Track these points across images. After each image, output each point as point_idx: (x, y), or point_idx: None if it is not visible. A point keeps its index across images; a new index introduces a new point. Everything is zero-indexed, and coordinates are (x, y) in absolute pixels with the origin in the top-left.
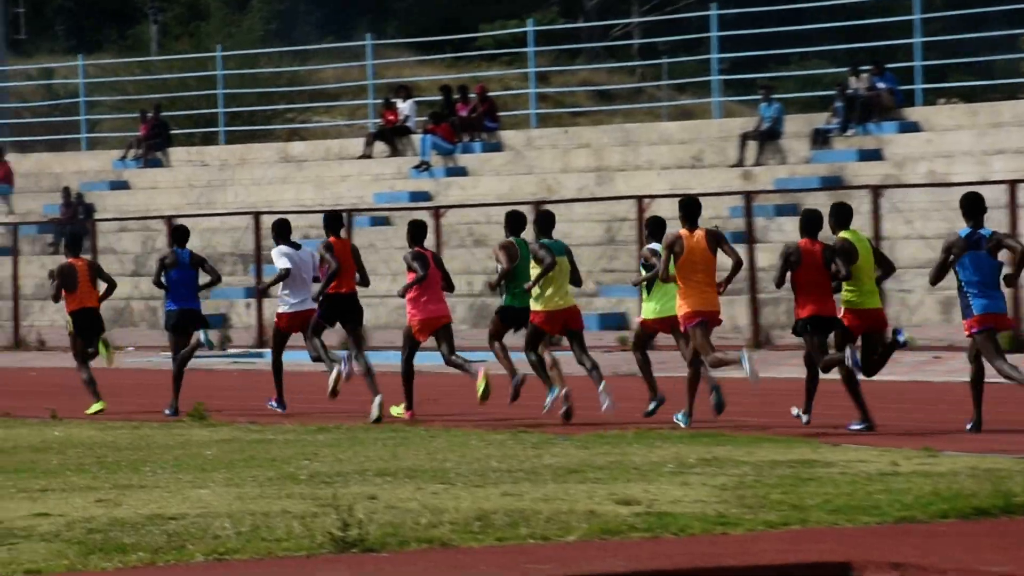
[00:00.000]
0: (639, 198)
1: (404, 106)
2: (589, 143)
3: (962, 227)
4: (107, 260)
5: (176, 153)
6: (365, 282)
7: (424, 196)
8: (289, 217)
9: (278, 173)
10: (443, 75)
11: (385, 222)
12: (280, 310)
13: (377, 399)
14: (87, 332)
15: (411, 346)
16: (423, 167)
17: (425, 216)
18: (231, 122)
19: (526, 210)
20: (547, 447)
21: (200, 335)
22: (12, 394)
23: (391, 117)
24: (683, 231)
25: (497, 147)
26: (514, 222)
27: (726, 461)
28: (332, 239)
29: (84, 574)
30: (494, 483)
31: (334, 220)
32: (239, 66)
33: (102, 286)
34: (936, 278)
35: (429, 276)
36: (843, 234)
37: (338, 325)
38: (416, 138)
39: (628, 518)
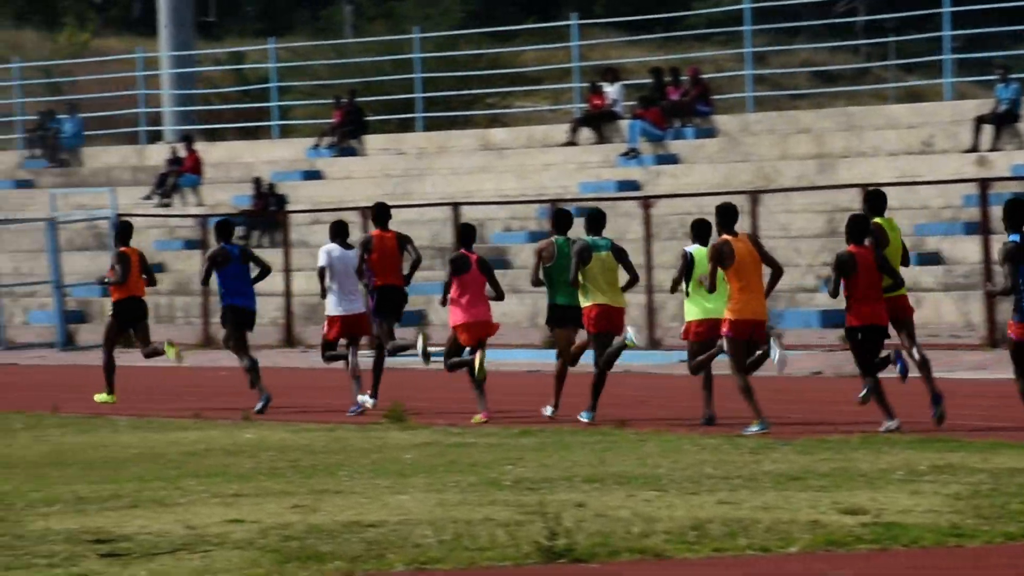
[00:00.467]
0: (863, 187)
1: (611, 90)
2: (809, 128)
3: None
4: (299, 253)
5: (371, 141)
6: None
7: (632, 185)
8: (489, 208)
9: (478, 162)
10: (653, 56)
11: None
12: (328, 313)
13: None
14: (129, 322)
15: (454, 351)
16: (631, 154)
17: (633, 206)
18: (429, 108)
19: (742, 200)
20: (766, 452)
21: None
22: (203, 394)
23: (597, 102)
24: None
25: (710, 133)
26: (559, 221)
27: (960, 468)
28: (374, 232)
29: None
30: (709, 490)
31: (380, 212)
32: (437, 49)
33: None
34: None
35: (468, 279)
36: (876, 220)
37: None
38: (624, 124)
39: (854, 528)
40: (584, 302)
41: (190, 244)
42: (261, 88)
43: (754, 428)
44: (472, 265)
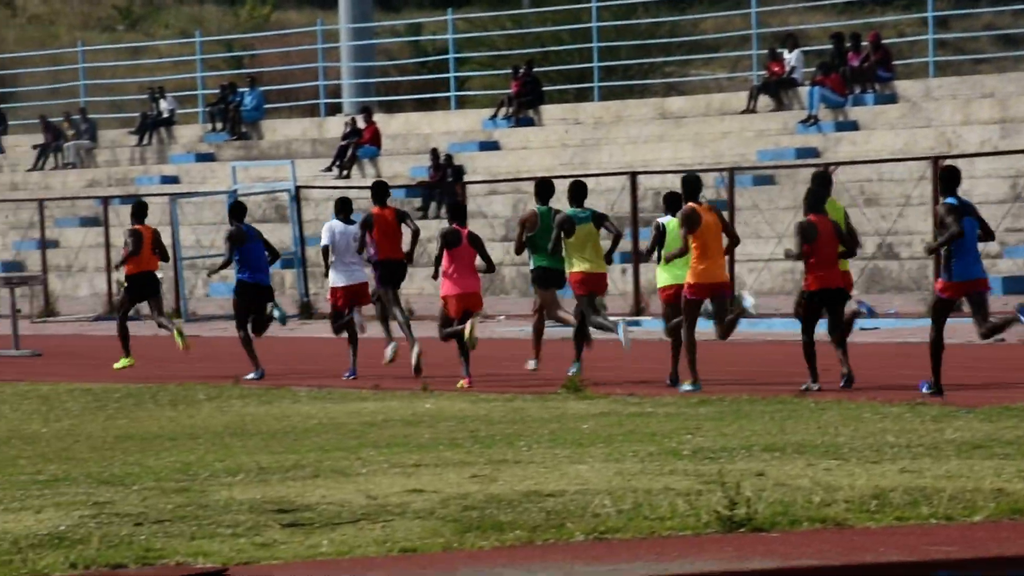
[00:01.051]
0: None
1: (790, 57)
2: (993, 92)
3: None
4: (477, 224)
5: (549, 111)
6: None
7: (811, 152)
8: (666, 177)
9: (655, 131)
10: (833, 22)
11: (769, 181)
12: (332, 285)
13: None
14: (142, 295)
15: (445, 322)
16: (811, 121)
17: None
18: (606, 77)
19: (923, 166)
20: (948, 420)
21: (274, 312)
22: (379, 366)
23: (776, 69)
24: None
25: (891, 99)
26: (541, 191)
27: None
28: (374, 209)
29: (460, 552)
30: (891, 459)
31: (379, 190)
32: (615, 18)
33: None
34: None
35: (459, 252)
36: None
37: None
38: (803, 90)
39: None
40: (569, 268)
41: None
42: (439, 59)
43: (687, 387)
44: (463, 239)
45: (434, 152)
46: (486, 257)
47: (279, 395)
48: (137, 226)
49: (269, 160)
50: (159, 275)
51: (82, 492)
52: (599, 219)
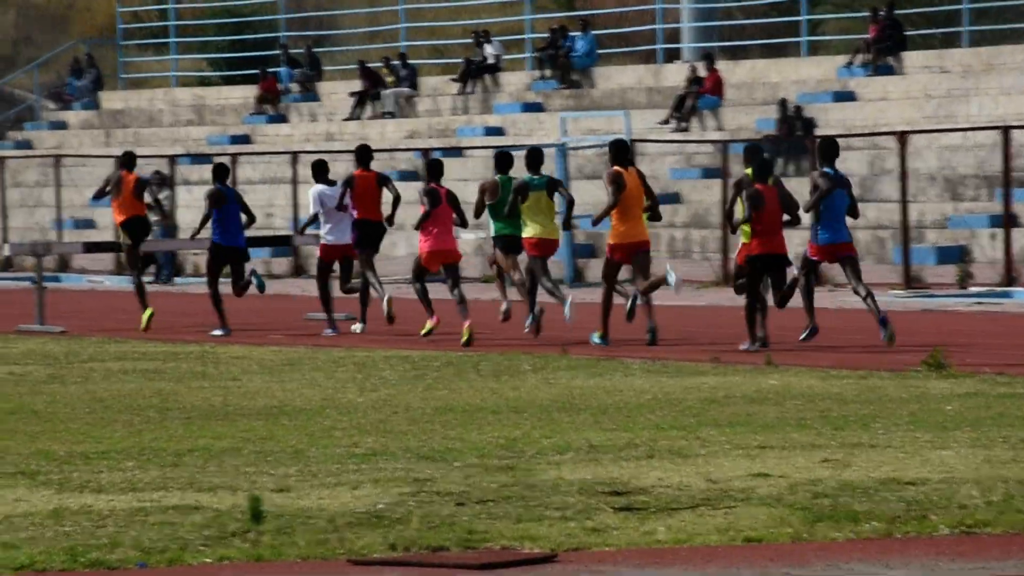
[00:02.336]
0: None
1: None
2: None
3: None
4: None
5: (910, 58)
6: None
7: None
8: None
9: None
10: None
11: None
12: (322, 242)
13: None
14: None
15: (419, 274)
16: None
17: None
18: (977, 20)
19: None
20: None
21: (252, 279)
22: (720, 336)
23: None
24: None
25: None
26: (500, 162)
27: None
28: (356, 172)
29: (810, 544)
30: None
31: (362, 153)
32: None
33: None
34: None
35: (439, 211)
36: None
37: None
38: None
39: None
40: (524, 233)
41: (709, 172)
42: (789, 0)
43: (595, 339)
44: (441, 198)
45: (782, 103)
46: (460, 214)
47: (610, 367)
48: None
49: (601, 111)
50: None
51: (401, 468)
52: (552, 185)
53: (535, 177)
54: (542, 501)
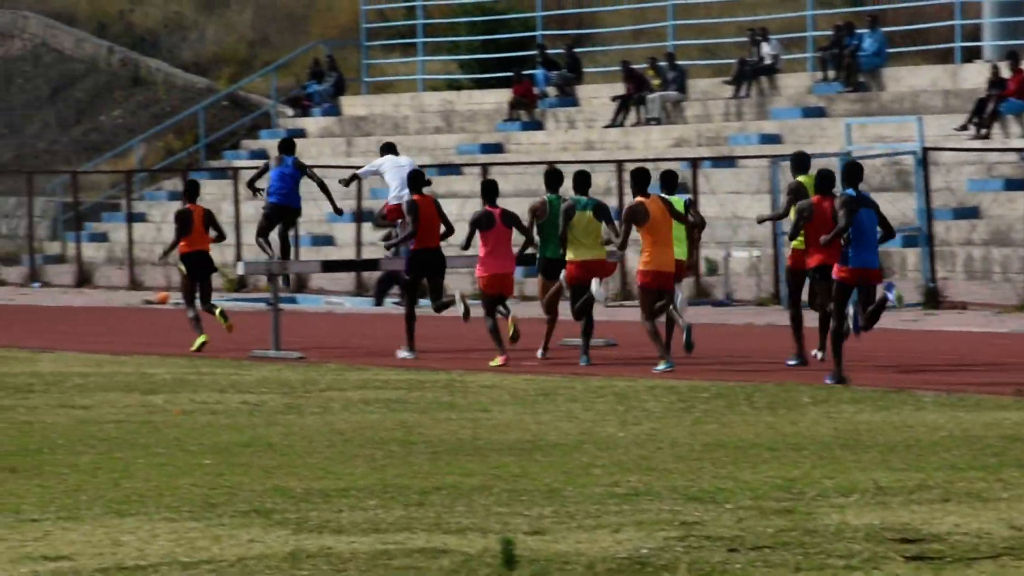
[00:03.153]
0: None
1: None
2: None
3: None
4: None
5: None
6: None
7: None
8: None
9: None
10: None
11: None
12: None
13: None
14: (199, 275)
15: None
16: None
17: None
18: None
19: None
20: None
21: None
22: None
23: None
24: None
25: None
26: (550, 180)
27: None
28: (415, 197)
29: None
30: None
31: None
32: None
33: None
34: None
35: (494, 234)
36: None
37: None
38: None
39: None
40: (567, 256)
41: (1012, 184)
42: None
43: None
44: (496, 220)
45: None
46: (524, 231)
47: (899, 400)
48: (189, 205)
49: (891, 116)
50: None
51: (666, 509)
52: (600, 211)
53: (582, 199)
54: (824, 548)
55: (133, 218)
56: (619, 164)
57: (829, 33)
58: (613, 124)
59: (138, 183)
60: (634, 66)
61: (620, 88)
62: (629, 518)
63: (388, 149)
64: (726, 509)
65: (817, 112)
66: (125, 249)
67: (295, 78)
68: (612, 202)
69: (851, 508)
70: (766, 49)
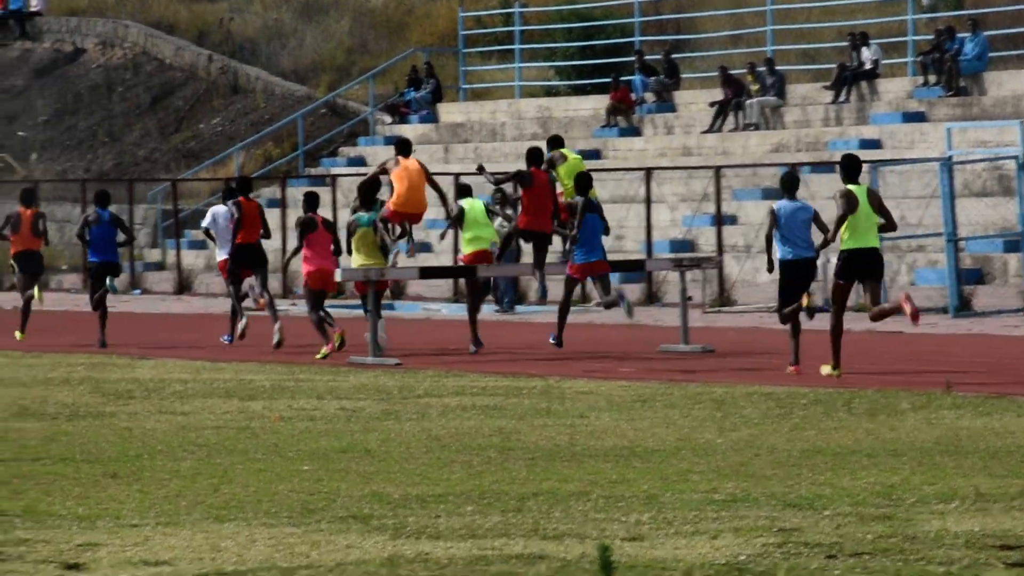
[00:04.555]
0: None
1: None
2: None
3: None
4: None
5: None
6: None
7: None
8: None
9: None
10: None
11: None
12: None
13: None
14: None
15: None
16: None
17: None
18: None
19: None
20: None
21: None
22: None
23: None
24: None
25: None
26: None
27: None
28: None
29: None
30: None
31: (242, 184)
32: None
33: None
34: None
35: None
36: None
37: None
38: None
39: None
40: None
41: None
42: None
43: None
44: (318, 225)
45: None
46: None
47: (1000, 406)
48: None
49: (992, 120)
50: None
51: (764, 516)
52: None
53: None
54: (924, 555)
55: None
56: (717, 170)
57: (930, 37)
58: (711, 130)
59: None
60: (732, 71)
61: (718, 93)
62: (727, 524)
63: (234, 192)
64: (824, 515)
65: (917, 117)
66: None
67: (393, 85)
68: (710, 208)
69: (951, 514)
70: (866, 54)
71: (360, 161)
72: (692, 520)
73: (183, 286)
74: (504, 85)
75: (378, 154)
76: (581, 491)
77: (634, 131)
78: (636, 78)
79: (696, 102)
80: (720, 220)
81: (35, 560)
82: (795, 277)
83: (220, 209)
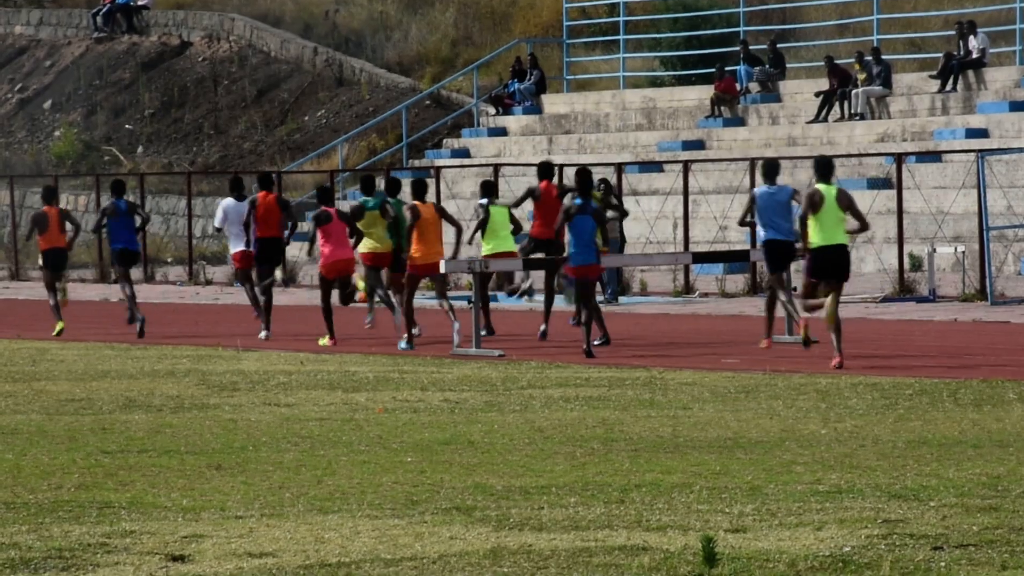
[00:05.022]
0: None
1: None
2: None
3: None
4: None
5: None
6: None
7: None
8: None
9: None
10: None
11: None
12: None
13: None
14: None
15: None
16: None
17: None
18: None
19: None
20: None
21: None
22: None
23: None
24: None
25: None
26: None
27: None
28: (260, 193)
29: None
30: None
31: (265, 179)
32: None
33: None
34: None
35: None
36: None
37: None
38: None
39: None
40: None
41: None
42: None
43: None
44: (333, 217)
45: None
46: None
47: None
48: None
49: None
50: None
51: (869, 507)
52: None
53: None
54: None
55: None
56: None
57: None
58: (816, 119)
59: (341, 183)
60: (838, 61)
61: (823, 83)
62: (831, 516)
63: (234, 187)
64: (930, 507)
65: None
66: None
67: (497, 76)
68: None
69: None
70: (973, 42)
71: (464, 153)
72: (796, 511)
73: (288, 277)
74: (608, 76)
75: (482, 145)
76: (684, 483)
77: (739, 121)
78: (741, 68)
79: (801, 92)
80: None
81: (141, 552)
82: (774, 257)
83: (229, 202)
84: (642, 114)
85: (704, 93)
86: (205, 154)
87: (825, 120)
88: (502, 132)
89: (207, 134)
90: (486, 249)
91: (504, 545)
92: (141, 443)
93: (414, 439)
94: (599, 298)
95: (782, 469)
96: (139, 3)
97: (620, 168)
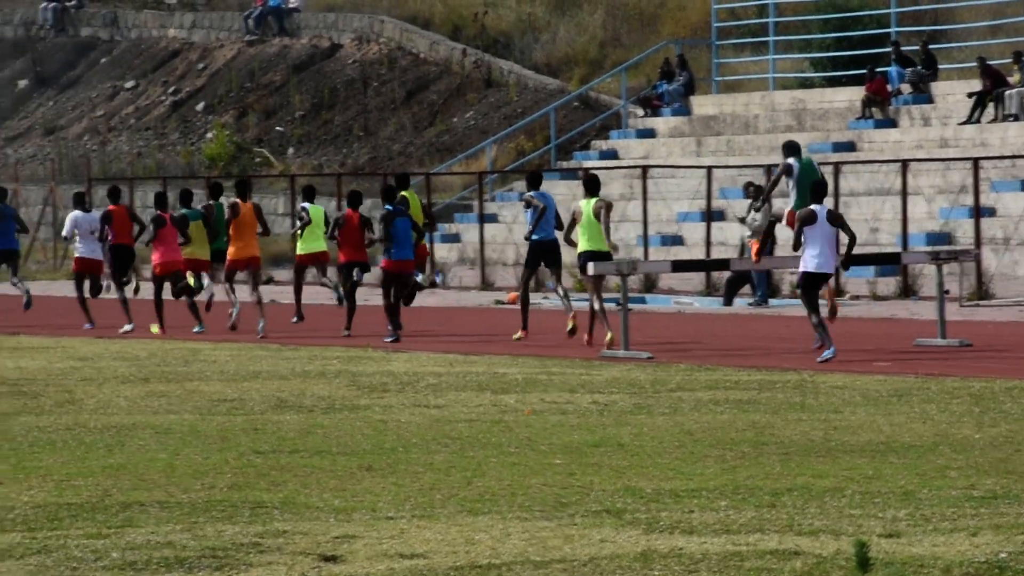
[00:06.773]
0: None
1: None
2: None
3: None
4: None
5: None
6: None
7: None
8: None
9: None
10: None
11: None
12: (75, 255)
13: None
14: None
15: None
16: None
17: None
18: None
19: None
20: None
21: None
22: None
23: None
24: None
25: None
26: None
27: None
28: (111, 207)
29: None
30: None
31: (113, 192)
32: None
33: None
34: None
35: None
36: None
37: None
38: None
39: None
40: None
41: None
42: None
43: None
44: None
45: None
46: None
47: None
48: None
49: None
50: None
51: None
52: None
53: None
54: None
55: (485, 219)
56: (975, 162)
57: None
58: (969, 121)
59: (490, 184)
60: (991, 62)
61: (976, 84)
62: (987, 521)
63: (79, 202)
64: None
65: None
66: (477, 249)
67: (646, 78)
68: (968, 200)
69: None
70: None
71: (612, 154)
72: (950, 517)
73: (433, 281)
74: (757, 77)
75: (630, 147)
76: (836, 487)
77: (890, 123)
78: (892, 69)
79: (953, 93)
80: (978, 212)
81: (293, 552)
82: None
83: (78, 214)
84: (792, 115)
85: (855, 94)
86: (355, 156)
87: (978, 121)
88: (650, 134)
89: (357, 136)
90: (301, 249)
91: (654, 548)
92: (293, 443)
93: (563, 441)
94: (747, 300)
95: (936, 474)
96: (290, 5)
97: (769, 170)
